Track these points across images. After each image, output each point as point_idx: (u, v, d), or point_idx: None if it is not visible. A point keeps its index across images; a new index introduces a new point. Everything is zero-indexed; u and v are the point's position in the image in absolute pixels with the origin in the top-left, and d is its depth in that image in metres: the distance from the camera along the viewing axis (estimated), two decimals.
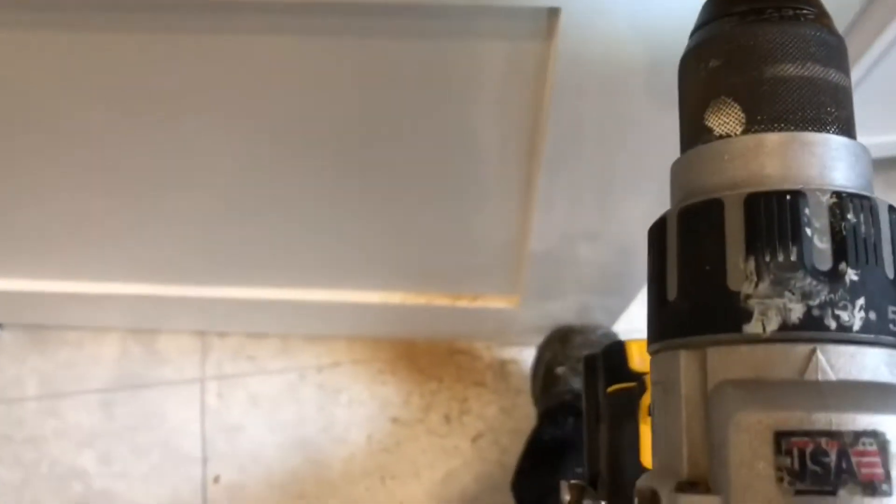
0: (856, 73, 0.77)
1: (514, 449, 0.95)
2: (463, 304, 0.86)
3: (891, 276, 0.23)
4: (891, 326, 0.23)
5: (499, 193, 0.61)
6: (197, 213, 0.72)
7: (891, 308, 0.23)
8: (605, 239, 0.66)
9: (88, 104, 0.54)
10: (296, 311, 0.92)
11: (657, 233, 0.27)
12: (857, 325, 0.22)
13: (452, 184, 0.62)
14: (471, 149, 0.55)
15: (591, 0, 0.36)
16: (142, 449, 0.98)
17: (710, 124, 0.26)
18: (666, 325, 0.25)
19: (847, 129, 0.26)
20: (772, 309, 0.22)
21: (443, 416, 1.00)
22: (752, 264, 0.23)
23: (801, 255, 0.23)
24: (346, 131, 0.56)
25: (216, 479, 0.97)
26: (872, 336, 0.22)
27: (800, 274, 0.22)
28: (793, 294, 0.22)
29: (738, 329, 0.23)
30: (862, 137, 0.26)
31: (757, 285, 0.23)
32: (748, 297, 0.23)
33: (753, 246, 0.23)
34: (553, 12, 0.37)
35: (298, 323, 0.99)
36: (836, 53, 0.26)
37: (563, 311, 0.86)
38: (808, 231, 0.23)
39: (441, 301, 0.86)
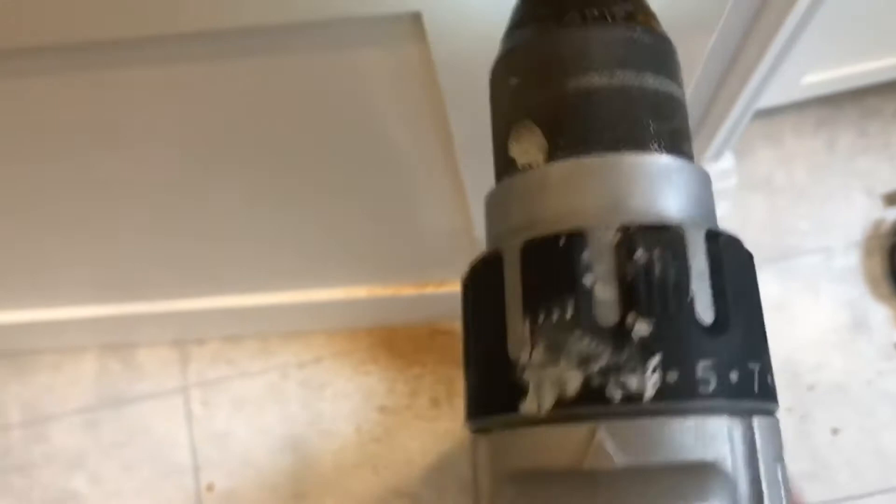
0: None
1: None
2: (430, 290, 0.84)
3: (707, 320, 0.19)
4: (700, 388, 0.18)
5: (431, 187, 0.59)
6: (156, 231, 0.70)
7: (701, 363, 0.18)
8: None
9: (31, 141, 0.52)
10: (268, 314, 0.91)
11: (462, 291, 0.23)
12: (649, 392, 0.18)
13: (384, 183, 0.59)
14: (389, 149, 0.53)
15: (450, 1, 0.33)
16: (132, 464, 0.98)
17: (512, 154, 0.22)
18: (467, 403, 0.22)
19: (674, 144, 0.21)
20: (547, 381, 0.18)
21: (430, 400, 0.98)
22: (527, 327, 0.19)
23: (577, 311, 0.18)
24: (272, 148, 0.54)
25: (210, 487, 0.97)
26: (673, 403, 0.18)
27: (576, 334, 0.18)
28: (569, 360, 0.18)
29: (516, 408, 0.19)
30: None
31: (532, 353, 0.19)
32: (524, 367, 0.19)
33: (529, 304, 0.19)
34: (416, 17, 0.34)
35: (274, 323, 0.97)
36: (654, 55, 0.22)
37: None
38: (587, 279, 0.18)
39: (408, 290, 0.84)
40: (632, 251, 0.19)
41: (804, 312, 0.99)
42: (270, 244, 0.73)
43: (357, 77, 0.42)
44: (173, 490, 0.97)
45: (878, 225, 1.01)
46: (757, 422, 0.19)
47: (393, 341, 1.00)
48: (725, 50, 0.64)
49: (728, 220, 1.02)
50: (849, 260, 1.00)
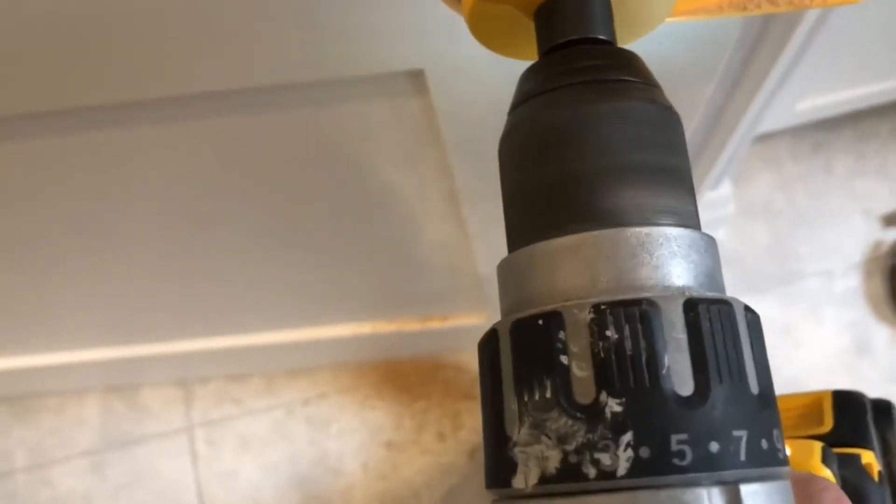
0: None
1: None
2: (433, 325, 0.84)
3: (685, 392, 0.18)
4: (675, 461, 0.18)
5: (433, 227, 0.59)
6: (161, 275, 0.70)
7: (675, 437, 0.18)
8: None
9: (41, 196, 0.53)
10: (273, 352, 0.91)
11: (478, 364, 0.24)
12: (622, 469, 0.18)
13: (388, 223, 0.60)
14: (393, 192, 0.53)
15: (452, 58, 0.33)
16: None
17: (518, 230, 0.22)
18: (484, 473, 0.22)
19: (675, 214, 0.21)
20: (532, 458, 0.19)
21: (436, 434, 0.98)
22: (516, 405, 0.19)
23: (555, 390, 0.19)
24: (277, 195, 0.55)
25: None
26: (646, 479, 0.18)
27: (555, 413, 0.18)
28: (549, 438, 0.19)
29: (509, 483, 0.19)
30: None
31: (520, 430, 0.19)
32: (515, 444, 0.19)
33: (517, 383, 0.20)
34: (418, 73, 0.35)
35: (279, 360, 0.97)
36: (658, 128, 0.22)
37: None
38: (564, 359, 0.19)
39: (411, 326, 0.84)
40: (603, 329, 0.19)
41: (808, 336, 0.99)
42: (275, 285, 0.73)
43: (362, 127, 0.42)
44: None
45: (877, 246, 1.01)
46: (746, 489, 0.19)
47: (398, 376, 1.00)
48: (724, 81, 0.65)
49: (728, 245, 1.02)
50: (849, 282, 1.00)
